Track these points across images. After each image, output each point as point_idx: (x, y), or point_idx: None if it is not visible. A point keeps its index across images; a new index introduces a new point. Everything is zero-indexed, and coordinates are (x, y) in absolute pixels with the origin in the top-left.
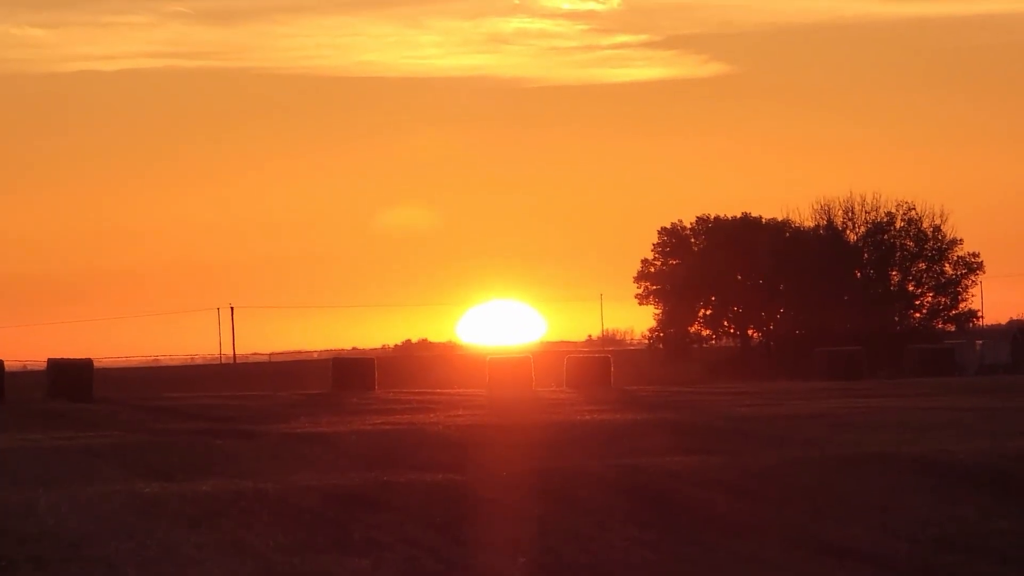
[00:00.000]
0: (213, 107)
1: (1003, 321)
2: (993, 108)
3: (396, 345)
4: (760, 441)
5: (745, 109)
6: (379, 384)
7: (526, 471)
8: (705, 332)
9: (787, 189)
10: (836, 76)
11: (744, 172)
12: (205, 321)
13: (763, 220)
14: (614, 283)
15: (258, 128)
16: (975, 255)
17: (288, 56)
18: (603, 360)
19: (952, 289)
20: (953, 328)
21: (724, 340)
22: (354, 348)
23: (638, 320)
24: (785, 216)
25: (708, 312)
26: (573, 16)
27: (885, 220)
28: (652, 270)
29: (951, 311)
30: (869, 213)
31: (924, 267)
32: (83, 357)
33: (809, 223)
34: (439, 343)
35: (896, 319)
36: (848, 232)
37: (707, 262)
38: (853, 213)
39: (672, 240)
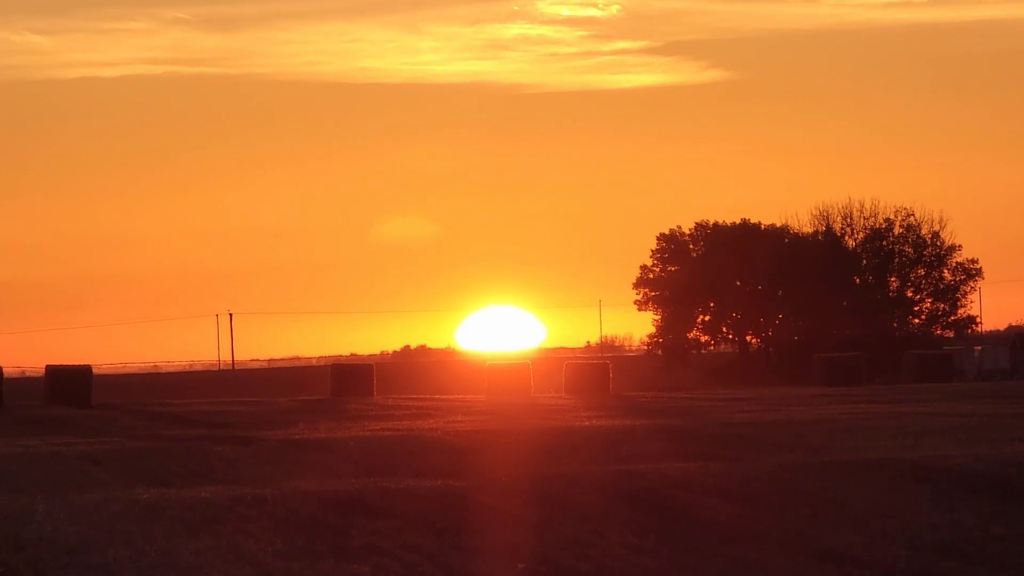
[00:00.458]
0: (213, 113)
1: (1002, 327)
2: (991, 114)
3: (395, 351)
4: (759, 447)
5: (744, 115)
6: (378, 390)
7: (525, 477)
8: (704, 338)
9: (786, 195)
10: (835, 82)
11: (743, 178)
12: (204, 327)
13: (762, 226)
14: (613, 289)
15: (257, 134)
16: (974, 261)
17: (288, 62)
18: (602, 366)
19: (951, 295)
20: (952, 334)
21: (723, 346)
22: (353, 354)
23: (637, 326)
24: (784, 222)
25: (707, 318)
26: (572, 22)
27: (884, 226)
28: (651, 276)
29: (950, 317)
30: (868, 219)
31: (923, 273)
32: (82, 363)
33: (808, 229)
34: (438, 349)
35: (895, 325)
36: (847, 238)
37: (706, 268)
38: (852, 219)
39: (671, 246)
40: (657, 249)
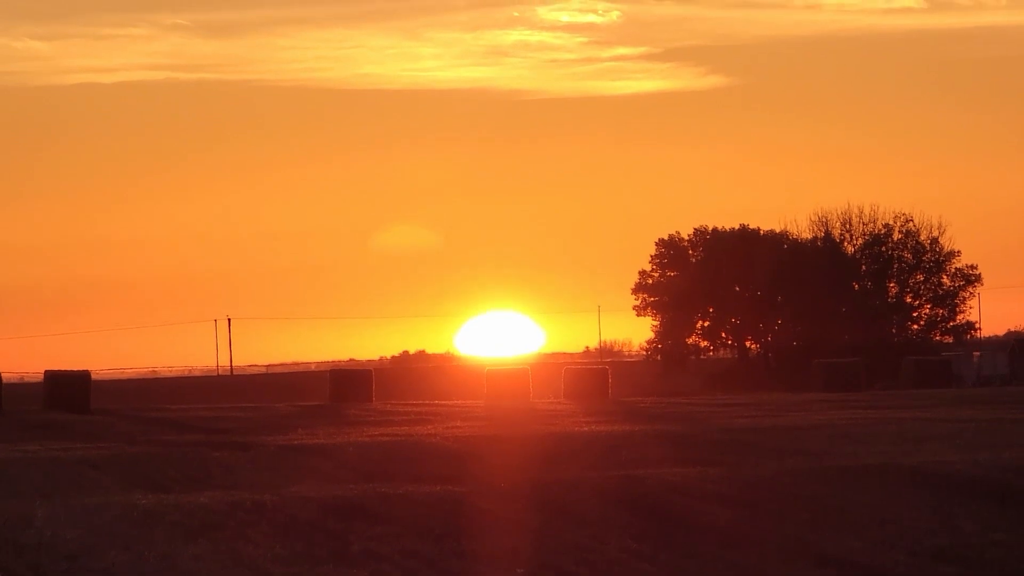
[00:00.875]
0: (212, 119)
1: (1001, 333)
2: (990, 120)
3: (394, 356)
4: (758, 452)
5: (743, 121)
6: (377, 396)
7: (524, 482)
8: (703, 344)
9: (785, 201)
10: (834, 88)
11: (742, 184)
12: (202, 332)
13: (761, 232)
14: (612, 294)
15: (257, 140)
16: (973, 267)
17: (287, 68)
18: (601, 371)
19: (950, 301)
20: (951, 340)
21: (722, 352)
22: (351, 360)
23: (636, 331)
24: (783, 228)
25: (706, 324)
26: (572, 28)
27: (883, 232)
28: (650, 282)
29: (949, 323)
30: (867, 225)
31: (922, 279)
32: (80, 369)
33: (807, 235)
34: (437, 354)
35: (894, 331)
36: (846, 244)
37: (705, 274)
38: (851, 225)
39: (670, 252)
40: (656, 255)
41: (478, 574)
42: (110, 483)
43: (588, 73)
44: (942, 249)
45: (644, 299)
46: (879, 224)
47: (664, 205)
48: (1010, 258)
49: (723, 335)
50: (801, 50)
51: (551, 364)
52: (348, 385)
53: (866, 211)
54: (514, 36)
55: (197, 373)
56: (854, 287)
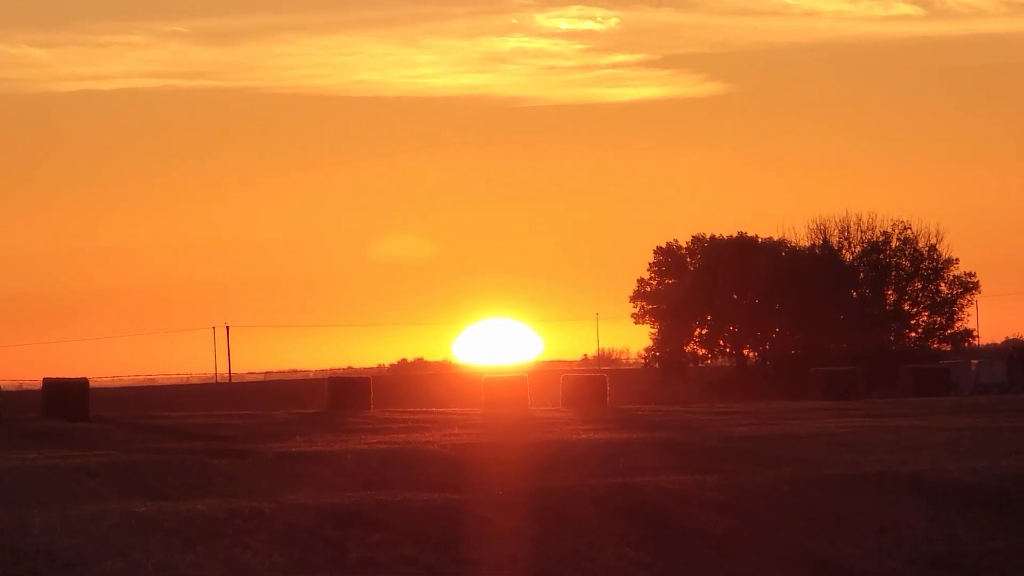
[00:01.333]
0: (210, 127)
1: (999, 340)
2: (989, 128)
3: (392, 364)
4: (756, 460)
5: (742, 128)
6: (375, 403)
7: (522, 490)
8: (701, 351)
9: (783, 209)
10: (833, 95)
11: (740, 192)
12: (201, 340)
13: (759, 239)
14: (610, 302)
15: (255, 147)
16: (971, 274)
17: (285, 75)
18: (599, 379)
19: (948, 308)
20: (949, 348)
21: (720, 360)
22: (349, 367)
23: (634, 339)
24: (781, 235)
25: (704, 331)
26: (571, 35)
27: (881, 239)
28: (648, 289)
29: (947, 331)
30: (865, 232)
31: (920, 286)
32: (78, 376)
33: (805, 242)
34: (435, 362)
35: (892, 339)
36: (844, 251)
37: (703, 281)
38: (849, 232)
39: (668, 259)
40: (654, 262)
41: None
42: (108, 491)
43: (586, 80)
44: (940, 257)
45: (642, 307)
46: (877, 232)
47: (662, 213)
48: (1008, 266)
49: (721, 343)
50: (799, 57)
51: (549, 372)
52: (346, 393)
53: (864, 219)
54: (512, 43)
55: (195, 381)
56: (852, 295)
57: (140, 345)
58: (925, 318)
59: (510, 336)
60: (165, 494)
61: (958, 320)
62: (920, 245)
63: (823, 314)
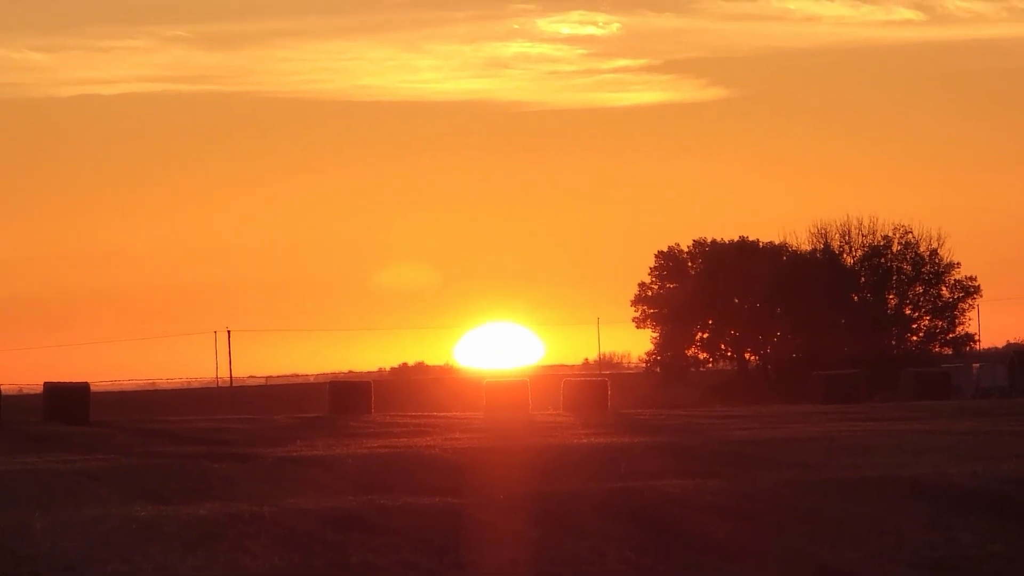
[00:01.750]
0: (212, 131)
1: (1000, 344)
2: (990, 132)
3: (393, 368)
4: (757, 464)
5: (743, 133)
6: (376, 407)
7: (523, 494)
8: (702, 356)
9: (785, 213)
10: (833, 100)
11: (742, 196)
12: (202, 344)
13: (760, 244)
14: (611, 306)
15: (256, 151)
16: (972, 278)
17: (287, 80)
18: (600, 383)
19: (949, 312)
20: (950, 351)
21: (721, 364)
22: (350, 371)
23: (635, 343)
24: (782, 240)
25: (705, 336)
26: (572, 40)
27: (882, 243)
28: (649, 294)
29: (948, 334)
30: (866, 236)
31: (921, 290)
32: (79, 380)
33: (806, 247)
34: (436, 366)
35: (893, 343)
36: (845, 256)
37: (704, 286)
38: (850, 237)
39: (669, 264)
40: (656, 266)
41: None
42: (109, 495)
43: (588, 85)
44: (941, 260)
45: (644, 311)
46: (878, 236)
47: (664, 217)
48: (1009, 270)
49: (722, 347)
50: (800, 62)
51: (550, 376)
52: (347, 397)
53: (865, 223)
54: (514, 48)
55: (196, 385)
56: (853, 299)
57: (141, 349)
58: (926, 322)
59: (511, 340)
60: (166, 498)
61: (959, 324)
62: (921, 249)
63: (824, 318)
